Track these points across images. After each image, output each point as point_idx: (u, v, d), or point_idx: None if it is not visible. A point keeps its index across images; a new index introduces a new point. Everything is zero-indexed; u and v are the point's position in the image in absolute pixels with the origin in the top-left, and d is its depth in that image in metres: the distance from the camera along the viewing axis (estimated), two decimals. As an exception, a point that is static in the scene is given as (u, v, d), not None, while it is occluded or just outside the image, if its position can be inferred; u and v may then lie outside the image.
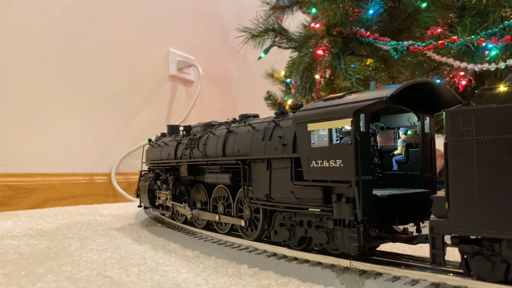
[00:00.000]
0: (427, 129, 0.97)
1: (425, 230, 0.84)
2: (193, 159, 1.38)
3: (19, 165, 2.21)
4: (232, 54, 3.54)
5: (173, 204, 1.52)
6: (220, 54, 3.55)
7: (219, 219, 1.26)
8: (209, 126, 1.42)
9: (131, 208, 2.20)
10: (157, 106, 3.02)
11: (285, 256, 0.98)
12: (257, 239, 1.11)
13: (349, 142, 0.81)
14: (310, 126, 0.88)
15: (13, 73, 2.20)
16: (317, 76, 1.92)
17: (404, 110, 0.99)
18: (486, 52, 1.43)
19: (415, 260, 0.88)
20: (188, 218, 1.40)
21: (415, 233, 0.94)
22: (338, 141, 0.85)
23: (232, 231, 1.25)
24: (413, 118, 1.00)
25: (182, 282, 0.86)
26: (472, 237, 0.69)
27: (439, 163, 1.30)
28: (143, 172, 1.88)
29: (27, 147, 2.25)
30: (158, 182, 1.65)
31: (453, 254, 0.78)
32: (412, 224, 0.95)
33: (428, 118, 0.97)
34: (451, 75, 1.55)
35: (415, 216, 0.93)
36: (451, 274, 0.74)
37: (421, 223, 0.96)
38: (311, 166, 0.88)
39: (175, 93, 3.16)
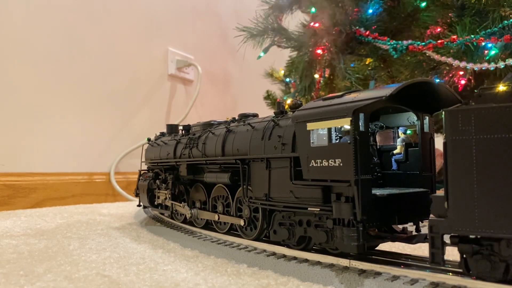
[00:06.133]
0: (426, 129, 0.97)
1: (425, 230, 0.84)
2: (192, 159, 1.38)
3: (18, 164, 2.21)
4: (231, 54, 3.53)
5: (172, 204, 1.52)
6: (219, 53, 3.55)
7: (218, 219, 1.26)
8: (208, 126, 1.41)
9: (130, 207, 2.20)
10: (156, 106, 3.02)
11: (284, 256, 0.97)
12: (256, 239, 1.11)
13: (349, 142, 0.81)
14: (310, 126, 0.88)
15: (12, 72, 2.19)
16: (316, 76, 1.92)
17: (404, 109, 0.99)
18: (486, 51, 1.43)
19: (414, 260, 0.88)
20: (187, 218, 1.40)
21: (414, 233, 0.94)
22: (338, 141, 0.85)
23: (231, 230, 1.25)
24: (412, 117, 1.00)
25: (181, 282, 0.86)
26: (471, 236, 0.69)
27: (439, 162, 1.30)
28: (142, 172, 1.88)
29: (26, 146, 2.25)
30: (157, 181, 1.65)
31: (452, 253, 0.78)
32: (412, 223, 0.95)
33: (427, 118, 0.96)
34: (450, 75, 1.55)
35: (415, 216, 0.93)
36: (450, 274, 0.74)
37: (420, 222, 0.96)
38: (310, 165, 0.88)
39: (174, 92, 3.16)
